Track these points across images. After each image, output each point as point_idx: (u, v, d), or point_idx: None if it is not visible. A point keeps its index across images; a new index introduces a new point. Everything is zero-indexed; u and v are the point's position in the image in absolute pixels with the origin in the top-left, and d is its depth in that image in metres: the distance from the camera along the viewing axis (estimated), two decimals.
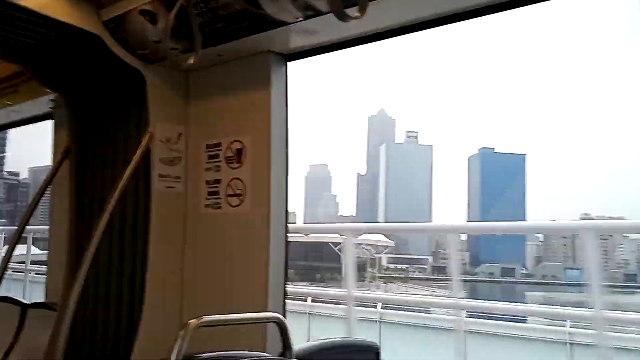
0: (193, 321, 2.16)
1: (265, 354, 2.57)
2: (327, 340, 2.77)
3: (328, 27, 2.54)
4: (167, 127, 3.05)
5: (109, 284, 3.06)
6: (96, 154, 3.24)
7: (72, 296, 2.72)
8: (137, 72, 2.93)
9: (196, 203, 3.07)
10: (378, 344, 2.77)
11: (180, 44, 2.69)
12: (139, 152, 2.88)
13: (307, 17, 2.45)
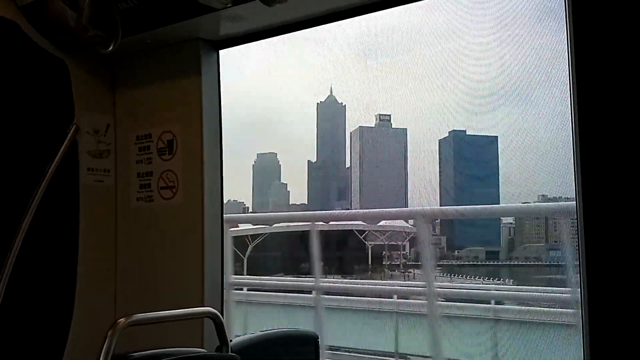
0: (121, 320, 2.10)
1: (201, 349, 2.52)
2: (265, 332, 2.73)
3: (256, 13, 2.49)
4: (94, 118, 2.93)
5: (36, 285, 2.95)
6: (18, 148, 3.11)
7: None
8: (60, 61, 2.80)
9: (127, 197, 2.98)
10: (316, 333, 2.73)
11: (103, 30, 2.57)
12: (64, 145, 2.76)
13: (235, 3, 2.39)
